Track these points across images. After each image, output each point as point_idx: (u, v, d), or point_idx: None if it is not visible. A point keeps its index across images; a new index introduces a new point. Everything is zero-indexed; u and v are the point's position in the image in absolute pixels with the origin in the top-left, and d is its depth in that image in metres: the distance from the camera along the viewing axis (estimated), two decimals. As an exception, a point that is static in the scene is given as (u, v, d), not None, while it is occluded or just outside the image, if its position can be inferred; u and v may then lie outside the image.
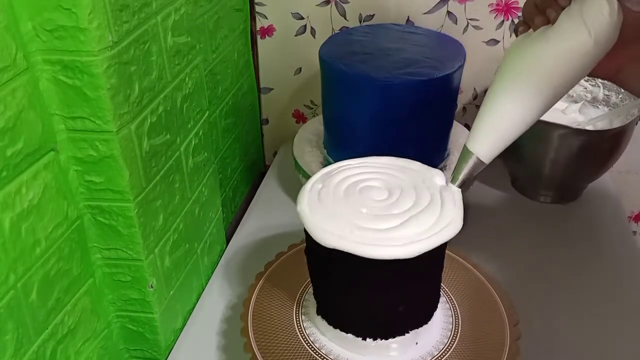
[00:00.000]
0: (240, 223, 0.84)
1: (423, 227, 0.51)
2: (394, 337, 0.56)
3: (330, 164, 0.80)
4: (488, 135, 0.54)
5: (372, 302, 0.55)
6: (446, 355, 0.56)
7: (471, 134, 0.55)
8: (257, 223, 0.83)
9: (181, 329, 0.67)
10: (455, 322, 0.60)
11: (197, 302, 0.71)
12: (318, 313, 0.59)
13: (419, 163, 0.59)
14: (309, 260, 0.59)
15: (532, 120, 0.54)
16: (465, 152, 0.55)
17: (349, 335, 0.56)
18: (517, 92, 0.53)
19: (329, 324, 0.57)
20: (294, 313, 0.61)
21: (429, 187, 0.55)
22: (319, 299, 0.59)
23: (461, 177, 0.55)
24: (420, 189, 0.55)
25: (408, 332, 0.56)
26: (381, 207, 0.53)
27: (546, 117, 0.81)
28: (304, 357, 0.56)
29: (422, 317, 0.57)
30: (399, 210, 0.52)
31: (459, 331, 0.59)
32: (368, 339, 0.56)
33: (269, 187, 0.91)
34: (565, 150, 0.78)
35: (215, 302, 0.70)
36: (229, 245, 0.79)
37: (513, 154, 0.84)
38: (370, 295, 0.54)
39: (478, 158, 0.54)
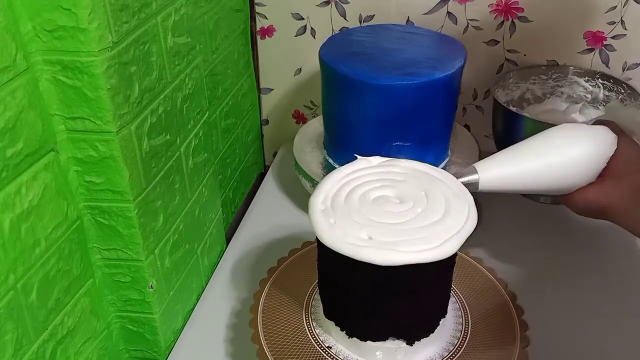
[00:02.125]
0: (240, 224, 0.84)
1: (451, 226, 0.51)
2: (419, 340, 0.56)
3: (330, 164, 0.80)
4: (497, 167, 0.60)
5: (399, 307, 0.54)
6: (455, 357, 0.56)
7: (487, 159, 0.61)
8: (257, 223, 0.83)
9: (181, 330, 0.67)
10: (465, 324, 0.60)
11: (197, 302, 0.70)
12: (334, 322, 0.58)
13: (415, 162, 0.60)
14: (324, 272, 0.58)
15: (532, 181, 0.61)
16: (472, 169, 0.60)
17: (360, 339, 0.56)
18: (544, 152, 0.60)
19: (342, 330, 0.57)
20: (304, 315, 0.60)
21: (437, 186, 0.56)
22: (330, 305, 0.58)
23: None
24: (429, 189, 0.55)
25: (420, 339, 0.56)
26: (401, 213, 0.53)
27: (547, 118, 0.82)
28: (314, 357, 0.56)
29: (438, 318, 0.58)
30: (417, 213, 0.53)
31: (468, 334, 0.59)
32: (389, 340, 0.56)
33: (269, 187, 0.91)
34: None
35: (215, 302, 0.70)
36: (229, 246, 0.79)
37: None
38: (394, 299, 0.54)
39: (477, 180, 0.60)
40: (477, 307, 0.62)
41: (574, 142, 0.60)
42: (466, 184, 0.59)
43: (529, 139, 0.62)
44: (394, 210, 0.53)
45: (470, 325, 0.60)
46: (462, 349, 0.57)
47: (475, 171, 0.60)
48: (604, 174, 0.59)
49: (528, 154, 0.61)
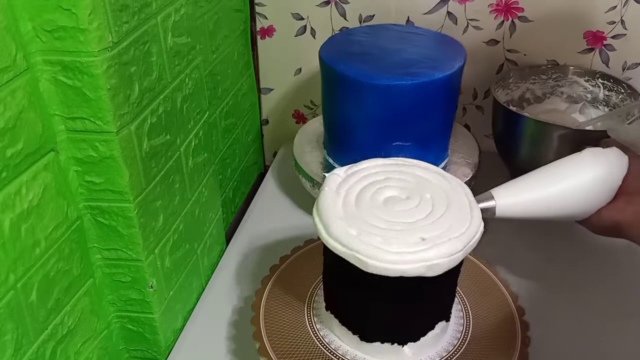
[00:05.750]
0: (240, 224, 0.84)
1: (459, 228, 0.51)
2: (419, 339, 0.56)
3: (330, 164, 0.80)
4: (515, 193, 0.60)
5: (414, 310, 0.54)
6: (456, 356, 0.56)
7: (504, 185, 0.61)
8: (257, 224, 0.83)
9: (181, 329, 0.67)
10: (467, 323, 0.60)
11: (197, 302, 0.71)
12: (341, 323, 0.58)
13: (423, 162, 0.60)
14: (331, 279, 0.58)
15: (550, 207, 0.60)
16: (489, 195, 0.60)
17: (367, 340, 0.56)
18: (563, 180, 0.60)
19: (353, 333, 0.56)
20: (305, 315, 0.60)
21: (442, 187, 0.56)
22: (339, 310, 0.58)
23: None
24: (437, 190, 0.56)
25: (425, 334, 0.56)
26: (413, 214, 0.53)
27: (547, 118, 0.82)
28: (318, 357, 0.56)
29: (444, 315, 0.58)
30: (427, 213, 0.53)
31: (469, 333, 0.59)
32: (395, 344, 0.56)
33: (269, 187, 0.91)
34: (565, 151, 0.78)
35: (215, 302, 0.70)
36: (228, 246, 0.79)
37: (513, 154, 0.84)
38: (411, 305, 0.54)
39: (494, 207, 0.59)
40: (478, 307, 0.62)
41: (591, 167, 0.60)
42: (483, 210, 0.58)
43: (546, 165, 0.62)
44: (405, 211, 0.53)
45: (471, 325, 0.60)
46: (462, 349, 0.57)
47: (492, 197, 0.59)
48: (617, 192, 0.60)
49: (545, 180, 0.61)
